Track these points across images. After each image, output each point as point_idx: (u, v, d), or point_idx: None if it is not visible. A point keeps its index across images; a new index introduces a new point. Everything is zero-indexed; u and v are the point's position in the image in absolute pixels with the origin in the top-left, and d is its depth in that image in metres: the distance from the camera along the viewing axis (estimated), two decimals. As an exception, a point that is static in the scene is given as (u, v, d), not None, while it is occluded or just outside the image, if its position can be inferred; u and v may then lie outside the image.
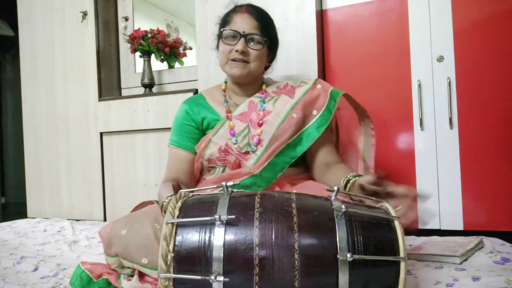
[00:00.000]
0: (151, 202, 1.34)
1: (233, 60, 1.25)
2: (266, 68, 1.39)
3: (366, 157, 1.34)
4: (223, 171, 1.27)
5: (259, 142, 1.25)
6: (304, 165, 1.36)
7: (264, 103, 1.30)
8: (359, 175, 1.07)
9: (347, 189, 1.05)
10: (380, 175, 0.96)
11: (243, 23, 1.25)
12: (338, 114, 1.40)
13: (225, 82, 1.38)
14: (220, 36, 1.30)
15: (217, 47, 1.35)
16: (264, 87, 1.35)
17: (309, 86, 1.32)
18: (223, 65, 1.29)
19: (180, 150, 1.32)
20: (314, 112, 1.28)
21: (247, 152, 1.25)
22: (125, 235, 1.04)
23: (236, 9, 1.30)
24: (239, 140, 1.26)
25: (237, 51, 1.23)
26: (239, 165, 1.25)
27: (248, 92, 1.34)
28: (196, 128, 1.32)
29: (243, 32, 1.24)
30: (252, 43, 1.25)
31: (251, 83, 1.33)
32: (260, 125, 1.26)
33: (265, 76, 1.42)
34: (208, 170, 1.32)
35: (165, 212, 0.88)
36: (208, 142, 1.27)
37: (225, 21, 1.30)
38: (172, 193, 0.89)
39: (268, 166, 1.22)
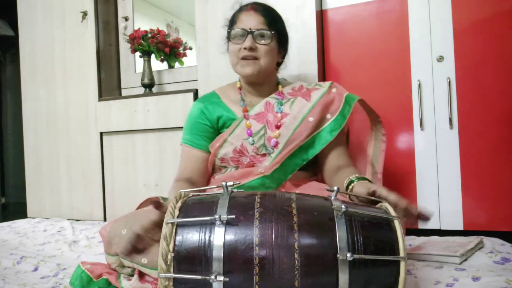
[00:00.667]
0: (156, 199, 1.34)
1: (243, 58, 1.25)
2: (279, 64, 1.38)
3: (375, 162, 1.33)
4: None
5: (276, 144, 1.25)
6: (313, 169, 1.35)
7: (281, 105, 1.30)
8: (362, 177, 1.07)
9: (348, 190, 1.05)
10: (371, 193, 0.96)
11: (249, 20, 1.25)
12: (350, 118, 1.39)
13: (239, 81, 1.38)
14: (229, 37, 1.30)
15: (228, 49, 1.35)
16: (280, 87, 1.35)
17: (324, 89, 1.32)
18: (234, 66, 1.29)
19: (193, 149, 1.31)
20: (328, 116, 1.28)
21: (264, 154, 1.25)
22: (125, 234, 1.04)
23: (242, 8, 1.31)
24: (255, 141, 1.25)
25: (245, 48, 1.23)
26: (252, 166, 1.25)
27: (262, 92, 1.34)
28: (210, 127, 1.32)
29: (250, 29, 1.24)
30: (259, 39, 1.25)
31: (264, 82, 1.33)
32: (278, 127, 1.26)
33: (279, 74, 1.42)
34: (219, 169, 1.32)
35: None
36: (223, 141, 1.27)
37: (232, 22, 1.30)
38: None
39: (280, 167, 1.23)
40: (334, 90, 1.32)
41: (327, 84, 1.35)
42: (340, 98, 1.30)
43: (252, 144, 1.25)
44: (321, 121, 1.28)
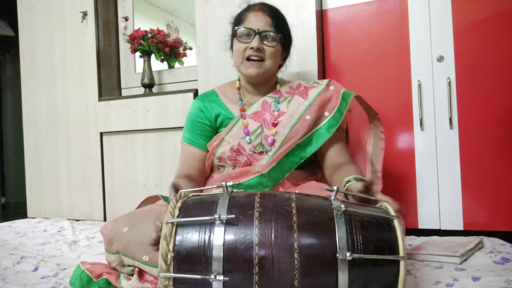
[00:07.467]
0: (157, 197, 1.34)
1: (248, 59, 1.25)
2: (280, 66, 1.39)
3: (374, 160, 1.34)
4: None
5: (273, 142, 1.25)
6: (311, 168, 1.35)
7: (278, 103, 1.30)
8: (360, 178, 1.07)
9: (344, 189, 1.05)
10: (367, 184, 0.96)
11: (257, 21, 1.25)
12: (349, 115, 1.40)
13: (239, 80, 1.38)
14: (234, 35, 1.30)
15: (231, 47, 1.35)
16: (278, 87, 1.35)
17: (322, 87, 1.32)
18: (238, 65, 1.29)
19: (192, 148, 1.32)
20: (326, 113, 1.29)
21: (261, 153, 1.26)
22: (126, 232, 1.04)
23: (250, 8, 1.31)
24: (252, 139, 1.26)
25: (252, 48, 1.24)
26: (249, 165, 1.26)
27: (261, 92, 1.34)
28: (209, 126, 1.33)
29: (258, 29, 1.24)
30: (267, 40, 1.25)
31: (265, 82, 1.33)
32: (274, 125, 1.27)
33: (279, 75, 1.42)
34: (218, 168, 1.32)
35: None
36: (221, 140, 1.28)
37: (239, 20, 1.30)
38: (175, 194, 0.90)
39: (276, 165, 1.23)
40: (332, 87, 1.33)
41: (325, 82, 1.35)
42: (337, 95, 1.31)
43: (249, 143, 1.26)
44: (318, 119, 1.28)
